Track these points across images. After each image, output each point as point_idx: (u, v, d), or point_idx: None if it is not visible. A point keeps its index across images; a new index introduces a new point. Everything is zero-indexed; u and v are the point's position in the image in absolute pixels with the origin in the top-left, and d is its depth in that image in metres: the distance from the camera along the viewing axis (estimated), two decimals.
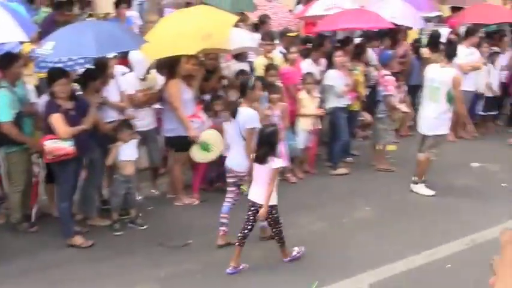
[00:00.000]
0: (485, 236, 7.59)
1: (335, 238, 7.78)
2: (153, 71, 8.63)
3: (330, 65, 10.04)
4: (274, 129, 6.83)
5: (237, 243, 6.75)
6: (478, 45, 11.81)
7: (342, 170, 10.06)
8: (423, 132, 9.24)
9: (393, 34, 12.02)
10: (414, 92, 11.63)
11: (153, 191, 9.02)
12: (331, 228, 8.08)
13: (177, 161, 8.68)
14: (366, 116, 10.83)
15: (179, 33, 8.30)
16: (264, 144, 6.63)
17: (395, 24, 11.45)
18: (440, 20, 15.34)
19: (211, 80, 9.10)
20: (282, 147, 9.11)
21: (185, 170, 9.02)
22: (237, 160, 7.18)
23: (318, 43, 10.65)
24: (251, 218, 6.68)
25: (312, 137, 9.90)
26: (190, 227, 7.94)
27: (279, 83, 9.24)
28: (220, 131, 8.42)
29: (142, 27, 12.61)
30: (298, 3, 16.27)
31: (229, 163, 7.31)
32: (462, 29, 13.25)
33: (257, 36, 10.56)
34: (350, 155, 10.69)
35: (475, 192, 9.38)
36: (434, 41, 12.39)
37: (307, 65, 10.18)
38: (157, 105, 8.69)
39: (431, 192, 9.16)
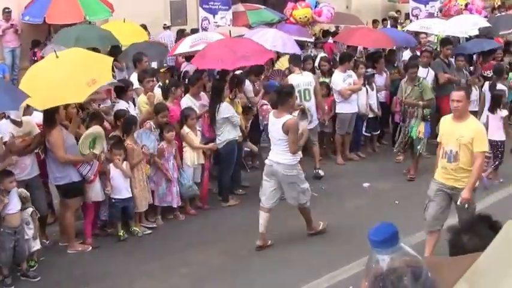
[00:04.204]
0: None
1: (235, 270, 7.66)
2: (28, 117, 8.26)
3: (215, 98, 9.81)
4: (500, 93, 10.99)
5: None
6: (354, 68, 12.02)
7: (232, 202, 9.95)
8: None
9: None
10: None
11: (44, 240, 8.51)
12: (230, 260, 7.95)
13: (68, 208, 8.33)
14: (251, 146, 10.83)
15: (63, 83, 7.84)
16: (494, 102, 10.58)
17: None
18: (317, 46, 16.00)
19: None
20: (173, 188, 9.16)
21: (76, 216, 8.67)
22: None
23: (196, 78, 10.40)
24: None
25: (201, 172, 9.77)
26: (85, 275, 7.66)
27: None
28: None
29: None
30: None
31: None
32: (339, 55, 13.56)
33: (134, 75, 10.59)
34: (241, 187, 10.55)
35: (369, 212, 9.40)
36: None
37: (186, 100, 9.99)
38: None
39: None
